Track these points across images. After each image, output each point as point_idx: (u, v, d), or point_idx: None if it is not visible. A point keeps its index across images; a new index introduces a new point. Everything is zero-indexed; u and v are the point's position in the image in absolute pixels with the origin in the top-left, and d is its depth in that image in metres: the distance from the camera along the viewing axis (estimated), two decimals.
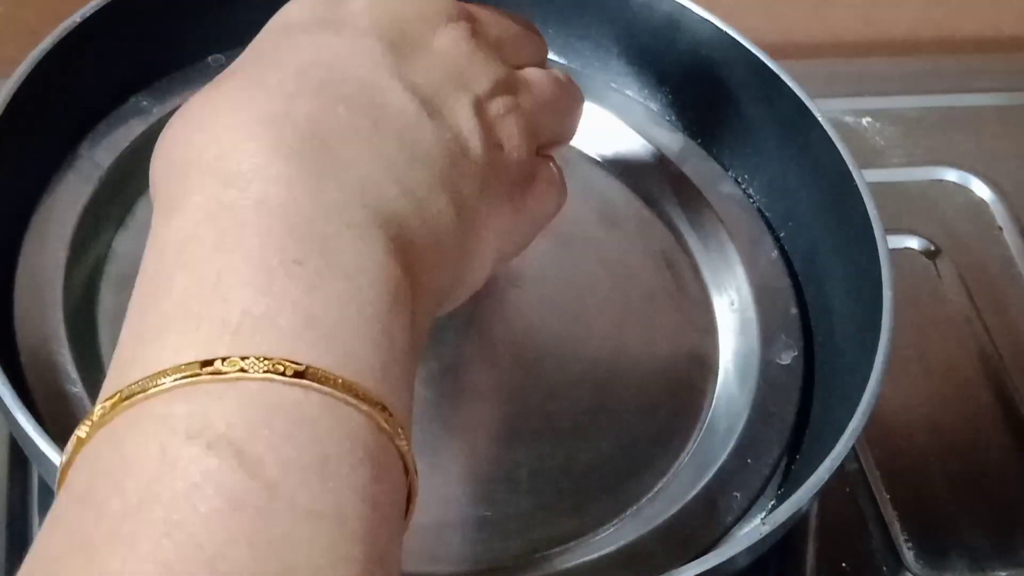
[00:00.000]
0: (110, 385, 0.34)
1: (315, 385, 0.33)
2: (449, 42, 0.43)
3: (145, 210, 0.64)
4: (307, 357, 0.33)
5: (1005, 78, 0.89)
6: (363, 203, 0.38)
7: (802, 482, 0.54)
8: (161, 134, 0.41)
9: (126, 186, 0.65)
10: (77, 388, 0.58)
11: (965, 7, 0.93)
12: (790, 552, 0.64)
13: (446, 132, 0.41)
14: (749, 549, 0.52)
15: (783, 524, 0.53)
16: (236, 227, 0.36)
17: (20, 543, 0.59)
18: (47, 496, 0.59)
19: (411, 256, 0.38)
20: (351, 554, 0.32)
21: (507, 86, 0.45)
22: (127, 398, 0.33)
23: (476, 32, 0.44)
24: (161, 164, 0.40)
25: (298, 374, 0.33)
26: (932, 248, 0.78)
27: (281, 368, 0.33)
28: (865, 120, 0.84)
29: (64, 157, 0.65)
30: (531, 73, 0.48)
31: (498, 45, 0.45)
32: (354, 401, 0.34)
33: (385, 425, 0.34)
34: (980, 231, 0.80)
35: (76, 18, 0.63)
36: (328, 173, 0.37)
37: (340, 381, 0.34)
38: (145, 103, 0.67)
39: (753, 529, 0.56)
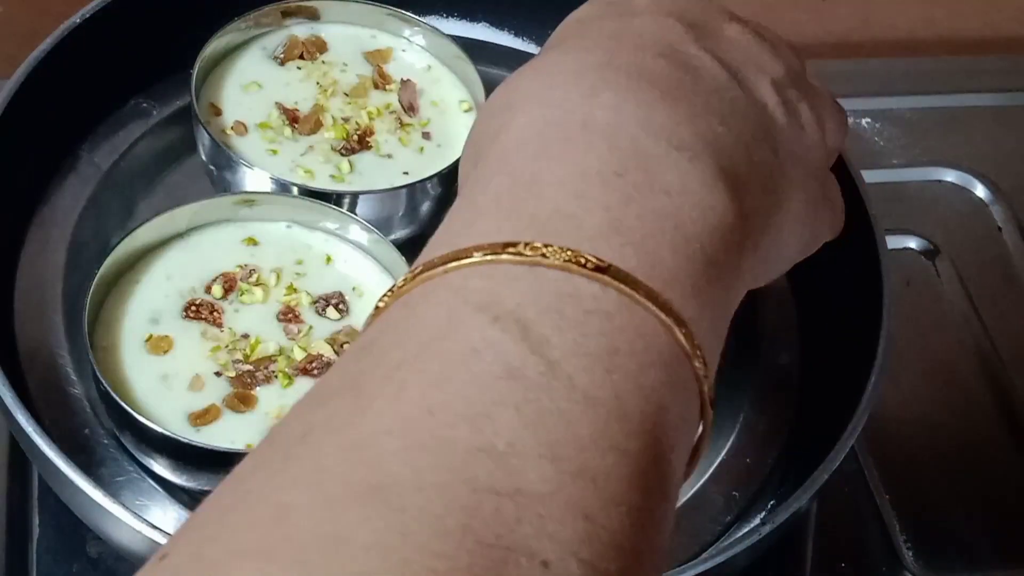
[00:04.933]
0: (415, 264, 0.35)
1: (615, 283, 0.33)
2: (737, 32, 0.44)
3: (145, 211, 0.65)
4: (611, 258, 0.33)
5: (1005, 78, 0.89)
6: (693, 131, 0.38)
7: (801, 482, 0.54)
8: (480, 108, 0.42)
9: (126, 188, 0.65)
10: (76, 389, 0.58)
11: (965, 8, 0.93)
12: (789, 552, 0.63)
13: (754, 101, 0.42)
14: (749, 549, 0.52)
15: (783, 524, 0.53)
16: (559, 140, 0.37)
17: (20, 542, 0.59)
18: (47, 495, 0.60)
19: (741, 194, 0.38)
20: (625, 446, 0.31)
21: (796, 78, 0.45)
22: (427, 270, 0.33)
23: (756, 30, 0.45)
24: (483, 115, 0.41)
25: (599, 268, 0.33)
26: (931, 248, 0.78)
27: (583, 260, 0.33)
28: (865, 120, 0.84)
29: (64, 159, 0.65)
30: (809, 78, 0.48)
31: (774, 45, 0.46)
32: (654, 308, 0.33)
33: (683, 341, 0.33)
34: (979, 231, 0.80)
35: (76, 19, 0.63)
36: (657, 104, 0.38)
37: (642, 284, 0.33)
38: (145, 105, 0.68)
39: (753, 529, 0.56)
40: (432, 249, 0.35)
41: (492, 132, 0.39)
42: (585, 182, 0.35)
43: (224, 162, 0.62)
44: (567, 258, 0.33)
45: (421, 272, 0.34)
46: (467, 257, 0.33)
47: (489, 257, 0.33)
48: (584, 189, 0.35)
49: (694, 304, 0.34)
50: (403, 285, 0.34)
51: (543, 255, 0.33)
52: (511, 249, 0.33)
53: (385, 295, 0.34)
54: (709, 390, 0.35)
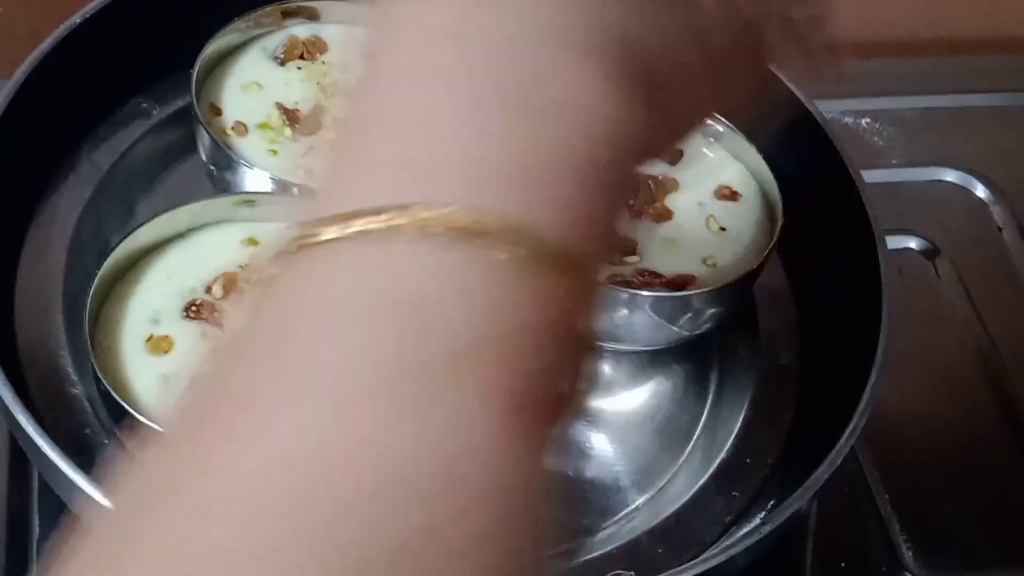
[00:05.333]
0: (292, 233, 0.33)
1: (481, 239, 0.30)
2: None
3: (145, 211, 0.65)
4: (488, 210, 0.30)
5: (1005, 78, 0.89)
6: (582, 19, 0.33)
7: (801, 482, 0.54)
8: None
9: (126, 188, 0.65)
10: (77, 389, 0.58)
11: (964, 8, 0.93)
12: (789, 551, 0.63)
13: None
14: (749, 549, 0.52)
15: (782, 524, 0.53)
16: (425, 64, 0.32)
17: (20, 542, 0.59)
18: (47, 495, 0.59)
19: (648, 86, 0.33)
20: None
21: None
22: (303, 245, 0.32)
23: None
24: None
25: (471, 230, 0.30)
26: (931, 248, 0.78)
27: (461, 222, 0.30)
28: (864, 120, 0.84)
29: (64, 159, 0.65)
30: None
31: None
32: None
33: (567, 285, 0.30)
34: (979, 231, 0.80)
35: (76, 19, 0.63)
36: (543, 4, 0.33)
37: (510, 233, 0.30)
38: (145, 105, 0.68)
39: (753, 528, 0.56)
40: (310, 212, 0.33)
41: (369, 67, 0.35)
42: (447, 117, 0.32)
43: (224, 162, 0.62)
44: (423, 223, 0.30)
45: (300, 245, 0.33)
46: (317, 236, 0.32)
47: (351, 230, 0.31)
48: (436, 126, 0.32)
49: (581, 231, 0.31)
50: (287, 251, 0.33)
51: (399, 226, 0.30)
52: (367, 220, 0.31)
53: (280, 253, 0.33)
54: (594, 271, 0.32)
